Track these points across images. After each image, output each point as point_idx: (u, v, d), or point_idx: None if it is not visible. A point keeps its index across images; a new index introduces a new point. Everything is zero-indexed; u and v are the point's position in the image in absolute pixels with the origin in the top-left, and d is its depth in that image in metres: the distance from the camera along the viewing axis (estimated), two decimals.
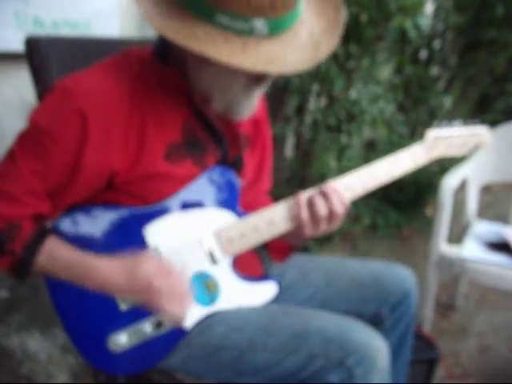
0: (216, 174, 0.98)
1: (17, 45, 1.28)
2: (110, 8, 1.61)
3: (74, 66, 0.95)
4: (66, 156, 0.86)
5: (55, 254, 0.88)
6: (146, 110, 0.89)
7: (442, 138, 1.10)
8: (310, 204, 0.96)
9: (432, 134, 1.10)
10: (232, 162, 1.02)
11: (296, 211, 0.97)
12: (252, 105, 0.94)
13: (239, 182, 1.01)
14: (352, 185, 1.01)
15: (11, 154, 0.87)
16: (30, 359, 1.60)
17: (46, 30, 1.46)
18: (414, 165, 1.07)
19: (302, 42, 0.83)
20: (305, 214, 0.96)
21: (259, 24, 0.78)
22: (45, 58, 1.05)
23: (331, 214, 0.96)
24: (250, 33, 0.79)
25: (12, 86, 1.45)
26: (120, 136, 0.87)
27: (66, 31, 1.49)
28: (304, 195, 0.97)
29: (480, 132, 1.16)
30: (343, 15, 0.88)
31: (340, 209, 0.96)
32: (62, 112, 0.85)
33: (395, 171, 1.05)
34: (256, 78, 0.87)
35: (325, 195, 0.96)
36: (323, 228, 0.98)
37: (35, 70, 1.06)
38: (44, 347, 1.64)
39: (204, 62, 0.82)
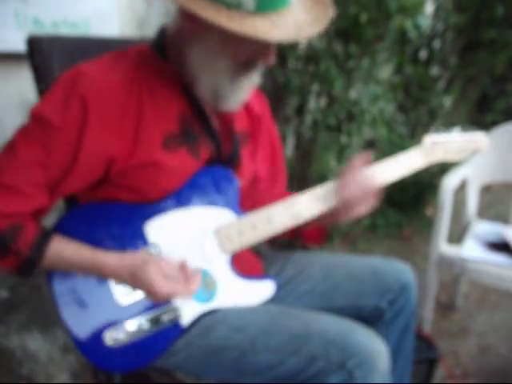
0: (215, 173, 0.99)
1: (17, 45, 1.28)
2: (110, 8, 1.61)
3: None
4: (68, 143, 0.87)
5: (62, 252, 0.89)
6: (143, 98, 0.91)
7: (440, 143, 1.11)
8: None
9: (429, 139, 1.11)
10: (227, 159, 1.02)
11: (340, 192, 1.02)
12: (240, 96, 0.95)
13: (238, 182, 1.01)
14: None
15: (11, 145, 0.87)
16: (30, 359, 1.60)
17: (46, 30, 1.45)
18: (410, 169, 1.08)
19: (286, 25, 0.84)
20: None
21: None
22: (47, 57, 1.06)
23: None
24: (237, 7, 0.80)
25: (12, 86, 1.45)
26: (117, 121, 0.88)
27: (65, 31, 1.49)
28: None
29: (478, 137, 1.16)
30: (330, 14, 0.88)
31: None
32: (64, 99, 0.86)
33: (392, 175, 1.06)
34: (242, 64, 0.89)
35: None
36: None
37: (37, 69, 1.06)
38: (44, 347, 1.63)
39: (194, 38, 0.86)
